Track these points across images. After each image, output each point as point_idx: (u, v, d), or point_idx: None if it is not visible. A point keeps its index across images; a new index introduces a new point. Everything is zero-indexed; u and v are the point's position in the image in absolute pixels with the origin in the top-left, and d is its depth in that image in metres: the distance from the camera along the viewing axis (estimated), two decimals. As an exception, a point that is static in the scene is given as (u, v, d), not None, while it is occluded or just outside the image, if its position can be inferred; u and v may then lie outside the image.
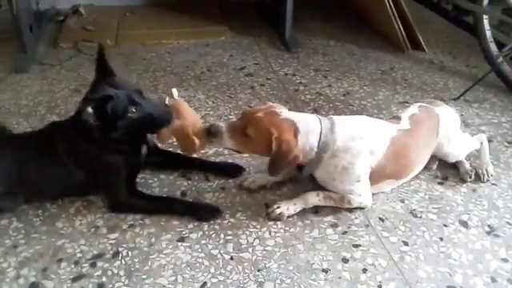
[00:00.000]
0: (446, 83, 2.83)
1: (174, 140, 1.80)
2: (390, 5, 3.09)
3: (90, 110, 1.56)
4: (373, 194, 1.84)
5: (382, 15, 3.22)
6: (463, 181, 1.99)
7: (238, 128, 1.71)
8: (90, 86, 1.70)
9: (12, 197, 1.75)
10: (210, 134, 1.70)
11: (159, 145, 1.97)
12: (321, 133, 1.72)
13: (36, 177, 1.75)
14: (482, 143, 2.06)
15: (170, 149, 2.06)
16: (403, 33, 3.16)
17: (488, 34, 2.76)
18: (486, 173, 1.99)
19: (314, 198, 1.80)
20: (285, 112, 1.74)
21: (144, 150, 1.86)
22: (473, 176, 1.98)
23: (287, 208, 1.77)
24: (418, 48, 3.22)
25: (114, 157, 1.74)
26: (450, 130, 1.97)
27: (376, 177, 1.81)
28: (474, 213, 1.83)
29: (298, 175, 1.91)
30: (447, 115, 1.99)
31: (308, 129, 1.72)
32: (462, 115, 2.46)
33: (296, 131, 1.70)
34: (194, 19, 3.57)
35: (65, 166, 1.74)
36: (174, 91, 1.86)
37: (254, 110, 1.76)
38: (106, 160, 1.74)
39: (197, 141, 1.70)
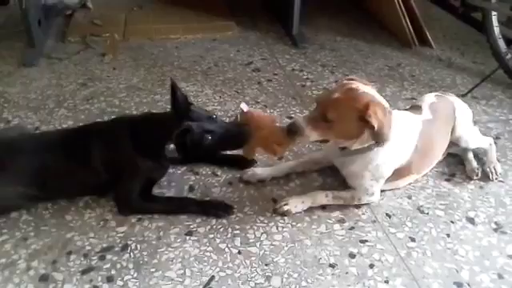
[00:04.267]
0: (453, 80, 2.82)
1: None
2: (398, 1, 3.08)
3: (170, 147, 1.64)
4: (383, 191, 1.85)
5: (389, 11, 3.21)
6: (470, 178, 1.99)
7: (318, 117, 1.63)
8: (169, 115, 1.76)
9: (30, 197, 1.75)
10: (292, 132, 1.66)
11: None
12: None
13: (59, 180, 1.76)
14: (490, 144, 2.06)
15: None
16: (411, 29, 3.15)
17: (496, 30, 2.74)
18: (494, 171, 1.99)
19: (322, 199, 1.80)
20: (361, 86, 1.65)
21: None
22: (479, 174, 1.98)
23: (295, 205, 1.78)
24: (425, 44, 3.21)
25: (145, 165, 1.75)
26: (465, 116, 2.00)
27: (400, 174, 1.82)
28: (481, 210, 1.83)
29: (306, 172, 1.94)
30: (461, 103, 2.04)
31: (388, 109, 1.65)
32: (469, 112, 2.47)
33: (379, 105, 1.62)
34: (201, 14, 3.57)
35: (93, 170, 1.74)
36: (244, 106, 1.83)
37: (328, 92, 1.72)
38: (135, 164, 1.74)
39: (278, 149, 1.73)
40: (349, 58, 3.07)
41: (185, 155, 1.70)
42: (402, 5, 3.10)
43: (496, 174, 1.99)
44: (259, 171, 1.95)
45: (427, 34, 3.19)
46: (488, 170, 2.00)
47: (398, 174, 1.82)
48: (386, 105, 1.67)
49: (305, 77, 2.82)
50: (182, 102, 1.72)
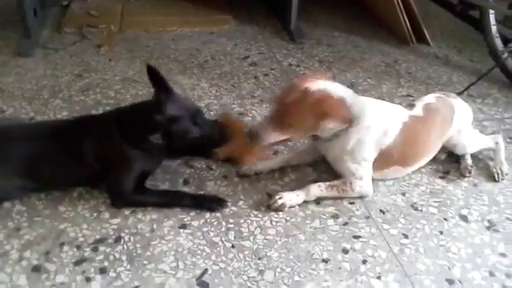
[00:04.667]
0: (450, 77, 2.82)
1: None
2: (396, -3, 3.08)
3: (158, 136, 1.61)
4: (374, 184, 1.87)
5: (387, 7, 3.21)
6: (463, 175, 1.99)
7: (276, 119, 1.72)
8: (154, 102, 1.72)
9: (23, 187, 1.74)
10: (252, 139, 1.74)
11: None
12: (351, 105, 1.76)
13: (51, 170, 1.75)
14: (497, 143, 2.06)
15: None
16: (408, 26, 3.15)
17: (493, 29, 2.74)
18: (500, 172, 1.98)
19: (316, 190, 1.80)
20: (312, 84, 1.72)
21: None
22: (472, 172, 1.99)
23: (289, 199, 1.78)
24: (422, 41, 3.21)
25: (136, 157, 1.74)
26: (463, 122, 2.00)
27: (383, 161, 1.83)
28: (475, 207, 1.84)
29: (301, 165, 1.97)
30: (462, 107, 2.03)
31: (341, 98, 1.74)
32: (465, 110, 2.48)
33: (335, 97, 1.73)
34: (198, 7, 3.55)
35: (85, 161, 1.73)
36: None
37: (283, 94, 1.77)
38: (126, 157, 1.73)
39: (251, 160, 1.86)
40: (346, 53, 3.07)
41: (169, 144, 1.67)
42: (400, 1, 3.09)
43: (502, 174, 1.97)
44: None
45: (425, 31, 3.19)
46: (494, 170, 1.99)
47: (382, 161, 1.83)
48: (341, 93, 1.75)
49: (302, 72, 2.81)
50: (166, 85, 1.73)
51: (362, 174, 1.81)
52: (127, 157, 1.73)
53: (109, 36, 3.08)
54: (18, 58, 2.79)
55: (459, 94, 2.60)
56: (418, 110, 1.90)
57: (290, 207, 1.78)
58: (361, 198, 1.84)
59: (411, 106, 1.95)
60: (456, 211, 1.82)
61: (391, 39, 3.25)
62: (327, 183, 1.82)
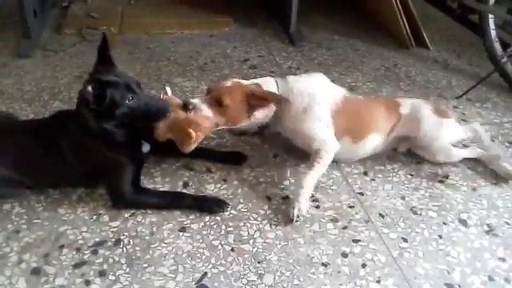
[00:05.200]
0: (449, 81, 2.83)
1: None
2: (396, 1, 3.09)
3: (89, 88, 1.56)
4: (374, 188, 1.89)
5: (387, 11, 3.22)
6: (463, 179, 2.00)
7: (213, 99, 1.82)
8: (90, 72, 1.71)
9: (15, 183, 1.74)
10: (186, 107, 1.78)
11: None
12: (277, 88, 1.93)
13: (37, 166, 1.74)
14: (476, 130, 2.10)
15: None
16: (408, 29, 3.16)
17: (493, 33, 2.75)
18: (504, 170, 2.00)
19: (309, 179, 1.81)
20: (244, 81, 1.92)
21: (146, 148, 1.84)
22: None
23: (303, 206, 1.75)
24: (422, 45, 3.22)
25: (114, 153, 1.73)
26: (414, 113, 2.04)
27: (337, 127, 1.93)
28: (474, 212, 1.85)
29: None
30: (406, 101, 2.12)
31: (269, 86, 1.92)
32: (463, 114, 2.48)
33: (260, 86, 1.90)
34: (198, 9, 3.55)
35: (65, 159, 1.72)
36: (168, 89, 1.90)
37: (219, 82, 1.94)
38: (107, 156, 1.73)
39: (193, 133, 1.72)
40: (345, 57, 3.07)
41: (99, 113, 1.63)
42: (399, 5, 3.10)
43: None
44: None
45: (424, 35, 3.20)
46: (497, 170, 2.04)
47: (335, 129, 1.93)
48: (269, 86, 1.92)
49: (301, 75, 2.81)
50: (109, 59, 1.72)
51: (322, 136, 1.89)
52: (102, 152, 1.72)
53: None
54: (17, 59, 2.79)
55: (458, 97, 2.63)
56: (357, 95, 2.16)
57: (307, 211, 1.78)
58: (336, 161, 1.96)
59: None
60: (455, 215, 1.82)
61: (391, 43, 3.26)
62: (307, 164, 1.87)
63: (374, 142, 2.02)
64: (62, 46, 2.96)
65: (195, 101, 1.81)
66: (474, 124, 2.15)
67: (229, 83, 1.88)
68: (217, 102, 1.81)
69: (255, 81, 1.95)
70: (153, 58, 2.91)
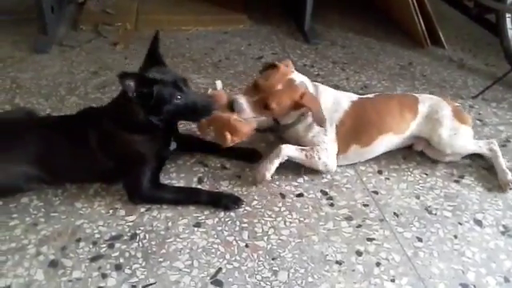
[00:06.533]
0: (464, 81, 2.81)
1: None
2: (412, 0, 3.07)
3: (130, 82, 1.59)
4: (388, 187, 1.88)
5: (403, 9, 3.19)
6: (479, 180, 1.99)
7: (259, 102, 1.80)
8: (141, 68, 1.75)
9: (36, 179, 1.76)
10: (232, 109, 1.79)
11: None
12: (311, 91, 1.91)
13: (61, 162, 1.76)
14: (491, 150, 2.02)
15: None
16: (423, 28, 3.13)
17: (510, 32, 2.73)
18: (505, 183, 1.94)
19: (287, 150, 1.88)
20: (295, 74, 1.88)
21: (173, 146, 1.89)
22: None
23: (267, 169, 1.87)
24: (437, 44, 3.20)
25: (144, 147, 1.75)
26: (432, 113, 2.00)
27: (342, 141, 1.94)
28: (489, 212, 1.84)
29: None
30: (427, 99, 2.07)
31: (309, 87, 1.91)
32: (479, 114, 2.46)
33: (307, 88, 1.88)
34: (213, 6, 3.56)
35: (93, 154, 1.74)
36: (218, 83, 1.92)
37: (268, 80, 1.82)
38: (135, 150, 1.75)
39: (229, 137, 1.77)
40: (360, 55, 3.06)
41: (148, 109, 1.68)
42: (415, 4, 3.08)
43: (510, 185, 1.94)
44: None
45: (440, 33, 3.18)
46: (500, 183, 1.97)
47: (341, 141, 1.94)
48: (312, 90, 1.92)
49: (315, 73, 2.81)
50: (158, 58, 1.75)
51: (325, 145, 1.91)
52: (132, 146, 1.75)
53: (124, 34, 3.11)
54: (34, 54, 2.82)
55: (474, 97, 2.61)
56: (368, 95, 2.08)
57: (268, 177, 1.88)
58: (324, 171, 1.95)
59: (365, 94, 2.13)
60: (470, 216, 1.81)
61: (406, 41, 3.24)
62: (297, 146, 1.92)
63: (388, 141, 2.01)
64: (78, 42, 2.99)
65: (241, 101, 1.80)
66: (492, 143, 2.05)
67: (280, 83, 1.80)
68: (263, 104, 1.81)
69: (301, 78, 1.89)
70: (168, 54, 2.92)
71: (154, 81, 1.65)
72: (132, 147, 1.75)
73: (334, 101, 1.96)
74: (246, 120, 1.81)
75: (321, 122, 1.85)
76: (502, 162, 1.99)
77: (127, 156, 1.77)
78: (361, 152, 1.99)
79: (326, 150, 1.91)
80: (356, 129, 1.94)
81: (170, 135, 1.87)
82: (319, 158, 1.90)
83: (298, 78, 1.88)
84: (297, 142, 1.97)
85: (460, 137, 1.99)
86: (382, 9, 3.65)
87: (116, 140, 1.75)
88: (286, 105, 1.82)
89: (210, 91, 1.85)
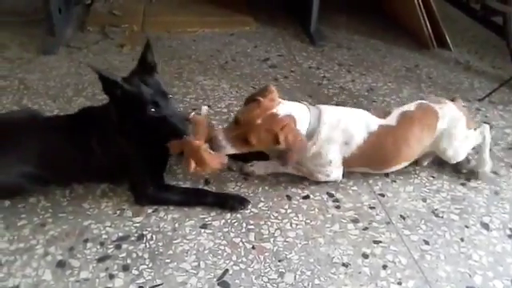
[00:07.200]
0: (471, 83, 2.80)
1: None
2: (418, 2, 3.06)
3: (100, 78, 1.61)
4: (395, 190, 1.90)
5: (409, 12, 3.20)
6: (486, 183, 1.99)
7: (239, 136, 1.72)
8: (129, 73, 1.74)
9: (40, 180, 1.76)
10: (213, 148, 1.70)
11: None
12: (309, 122, 1.79)
13: (63, 162, 1.77)
14: (484, 137, 1.99)
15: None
16: (430, 30, 3.13)
17: (517, 35, 2.72)
18: (479, 171, 1.99)
19: (286, 169, 1.90)
20: (280, 107, 1.73)
21: None
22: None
23: (258, 168, 1.94)
24: (443, 46, 3.19)
25: (141, 150, 1.75)
26: (450, 128, 1.92)
27: (348, 163, 1.89)
28: (496, 215, 1.83)
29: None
30: (448, 113, 1.93)
31: (301, 119, 1.77)
32: (486, 116, 2.46)
33: (295, 122, 1.75)
34: (219, 8, 3.58)
35: (94, 154, 1.74)
36: (204, 109, 1.84)
37: (249, 114, 1.72)
38: (134, 153, 1.75)
39: (192, 167, 1.67)
40: (366, 57, 3.06)
41: (121, 116, 1.68)
42: (421, 6, 3.08)
43: (480, 177, 1.99)
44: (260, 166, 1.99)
45: (446, 36, 3.17)
46: (475, 170, 2.01)
47: (348, 162, 1.88)
48: (302, 125, 1.77)
49: (321, 75, 2.81)
50: (148, 66, 1.73)
51: (328, 173, 1.89)
52: (128, 147, 1.75)
53: (131, 36, 3.12)
54: (42, 55, 2.85)
55: (480, 100, 2.60)
56: (390, 119, 1.89)
57: (257, 175, 1.95)
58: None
59: (387, 113, 1.93)
60: (477, 219, 1.81)
61: (412, 43, 3.24)
62: (298, 166, 1.91)
63: (398, 167, 1.97)
64: (85, 44, 3.01)
65: (220, 138, 1.71)
66: (484, 127, 2.00)
67: (260, 118, 1.69)
68: (243, 139, 1.72)
69: (289, 106, 1.77)
70: (174, 56, 2.94)
71: (118, 84, 1.62)
72: (127, 148, 1.75)
73: (345, 131, 1.82)
74: (219, 154, 1.72)
75: (285, 163, 1.75)
76: (487, 151, 2.00)
77: (125, 157, 1.76)
78: (369, 171, 1.97)
79: (328, 176, 1.89)
80: (369, 157, 1.86)
81: (163, 141, 1.79)
82: (318, 180, 1.92)
83: (284, 110, 1.73)
84: (295, 167, 1.92)
85: (466, 144, 1.97)
86: (388, 11, 3.65)
87: (113, 140, 1.75)
88: (266, 139, 1.71)
89: (192, 114, 1.80)
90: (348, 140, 1.83)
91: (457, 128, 1.92)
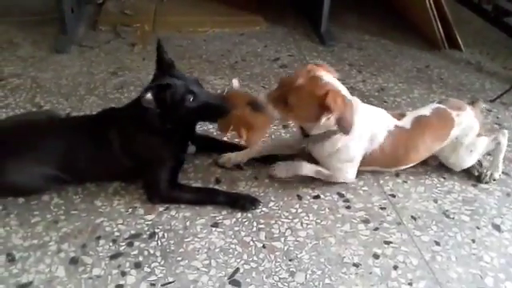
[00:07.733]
0: (482, 84, 2.79)
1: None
2: (429, 2, 3.05)
3: (149, 96, 1.62)
4: (406, 191, 1.90)
5: (420, 12, 3.18)
6: (497, 184, 1.98)
7: (279, 98, 1.71)
8: (152, 78, 1.77)
9: (56, 179, 1.78)
10: (254, 107, 1.72)
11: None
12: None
13: (82, 162, 1.79)
14: (498, 143, 1.98)
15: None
16: (441, 31, 3.12)
17: (529, 36, 2.70)
18: (488, 175, 1.97)
19: (306, 169, 1.89)
20: (324, 74, 1.72)
21: (192, 149, 1.93)
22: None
23: (280, 171, 1.91)
24: (455, 47, 3.18)
25: (162, 148, 1.78)
26: (461, 137, 1.92)
27: (366, 162, 1.89)
28: (508, 217, 1.82)
29: (297, 154, 2.03)
30: (464, 121, 1.92)
31: (345, 93, 1.75)
32: (497, 118, 2.45)
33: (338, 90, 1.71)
34: (229, 8, 3.58)
35: (114, 155, 1.77)
36: (235, 82, 1.88)
37: (292, 77, 1.72)
38: (154, 150, 1.78)
39: (244, 134, 1.73)
40: (376, 57, 3.06)
41: (162, 114, 1.70)
42: (433, 6, 3.06)
43: (489, 179, 1.98)
44: (233, 155, 1.99)
45: (457, 36, 3.16)
46: (484, 171, 1.99)
47: (364, 161, 1.88)
48: (348, 95, 1.76)
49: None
50: (167, 63, 1.76)
51: (346, 171, 1.88)
52: (152, 147, 1.78)
53: (143, 35, 3.14)
54: (54, 54, 2.87)
55: (492, 101, 2.59)
56: (405, 122, 1.89)
57: (278, 178, 1.92)
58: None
59: (402, 115, 1.93)
60: (489, 220, 1.80)
61: (423, 44, 3.23)
62: (318, 168, 1.90)
63: (404, 167, 1.98)
64: (97, 43, 3.03)
65: (261, 97, 1.73)
66: (501, 133, 1.99)
67: (302, 78, 1.68)
68: (283, 100, 1.70)
69: (333, 80, 1.74)
70: (185, 55, 2.95)
71: (166, 86, 1.66)
72: (151, 148, 1.78)
73: (373, 128, 1.83)
74: (264, 114, 1.73)
75: (345, 129, 1.70)
76: (501, 157, 1.99)
77: (147, 156, 1.79)
78: (377, 170, 1.98)
79: (346, 174, 1.89)
80: (384, 155, 1.87)
81: (188, 137, 1.90)
82: (337, 180, 1.91)
83: (329, 77, 1.71)
84: (320, 161, 1.91)
85: (475, 152, 1.95)
86: (399, 11, 3.64)
87: (136, 141, 1.78)
88: (306, 102, 1.67)
89: (226, 90, 1.84)
90: (373, 137, 1.84)
91: (468, 136, 1.92)
